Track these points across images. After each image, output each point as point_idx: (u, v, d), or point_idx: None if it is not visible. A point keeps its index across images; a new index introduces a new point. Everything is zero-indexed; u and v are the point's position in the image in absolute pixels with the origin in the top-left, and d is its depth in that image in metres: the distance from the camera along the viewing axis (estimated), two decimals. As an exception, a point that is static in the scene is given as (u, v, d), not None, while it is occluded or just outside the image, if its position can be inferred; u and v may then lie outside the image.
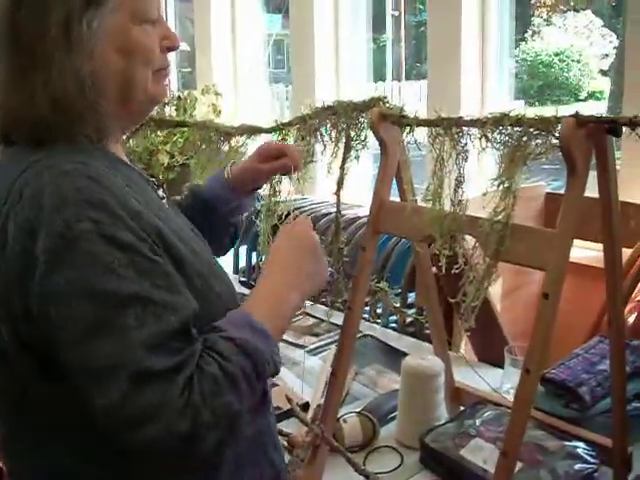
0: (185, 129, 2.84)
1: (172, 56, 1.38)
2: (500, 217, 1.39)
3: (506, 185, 1.38)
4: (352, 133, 1.77)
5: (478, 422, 1.88)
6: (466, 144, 1.47)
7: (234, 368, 1.12)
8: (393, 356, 2.51)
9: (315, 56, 4.72)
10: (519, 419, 1.40)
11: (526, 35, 15.42)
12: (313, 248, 1.41)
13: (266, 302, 1.29)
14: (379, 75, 10.23)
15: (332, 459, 1.78)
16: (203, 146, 2.23)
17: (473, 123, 1.45)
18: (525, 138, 1.37)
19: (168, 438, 1.04)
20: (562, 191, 1.37)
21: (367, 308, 2.80)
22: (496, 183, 1.39)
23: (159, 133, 3.46)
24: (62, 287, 1.06)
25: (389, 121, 1.62)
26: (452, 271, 1.50)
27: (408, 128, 1.62)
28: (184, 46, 6.18)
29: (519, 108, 1.41)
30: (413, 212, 1.58)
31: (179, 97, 4.48)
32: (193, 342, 1.12)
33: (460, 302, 1.49)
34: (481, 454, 1.76)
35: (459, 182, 1.49)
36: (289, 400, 1.95)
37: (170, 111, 4.36)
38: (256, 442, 1.37)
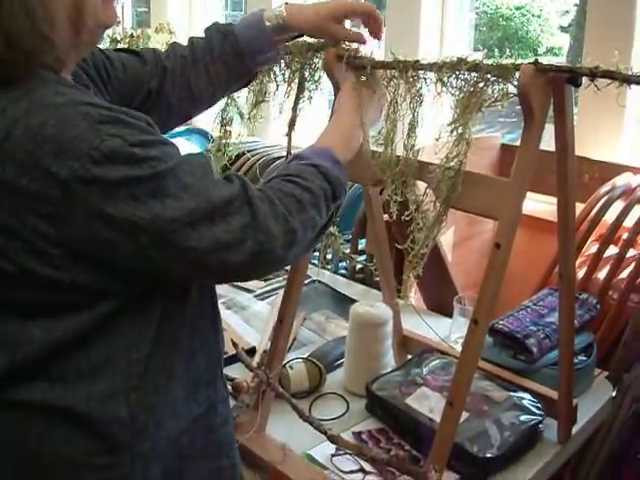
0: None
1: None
2: (452, 163, 1.37)
3: (460, 131, 1.35)
4: (306, 74, 1.73)
5: (425, 371, 1.89)
6: (421, 88, 1.45)
7: (316, 188, 1.26)
8: (342, 302, 2.50)
9: (273, -1, 4.64)
10: (466, 369, 1.39)
11: (488, -13, 15.37)
12: (383, 102, 1.54)
13: (341, 138, 1.44)
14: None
15: (277, 405, 1.78)
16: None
17: (429, 67, 1.41)
18: (482, 84, 1.34)
19: (269, 244, 1.16)
20: (517, 143, 1.35)
21: (316, 253, 2.78)
22: (450, 129, 1.37)
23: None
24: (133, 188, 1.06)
25: (344, 62, 1.58)
26: (403, 218, 1.48)
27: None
28: (141, -16, 6.07)
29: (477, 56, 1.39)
30: (364, 156, 1.55)
31: (132, 35, 4.39)
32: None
33: (409, 249, 1.47)
34: (427, 403, 1.76)
35: (412, 126, 1.46)
36: (235, 345, 1.94)
37: (122, 48, 4.30)
38: (208, 366, 1.37)
